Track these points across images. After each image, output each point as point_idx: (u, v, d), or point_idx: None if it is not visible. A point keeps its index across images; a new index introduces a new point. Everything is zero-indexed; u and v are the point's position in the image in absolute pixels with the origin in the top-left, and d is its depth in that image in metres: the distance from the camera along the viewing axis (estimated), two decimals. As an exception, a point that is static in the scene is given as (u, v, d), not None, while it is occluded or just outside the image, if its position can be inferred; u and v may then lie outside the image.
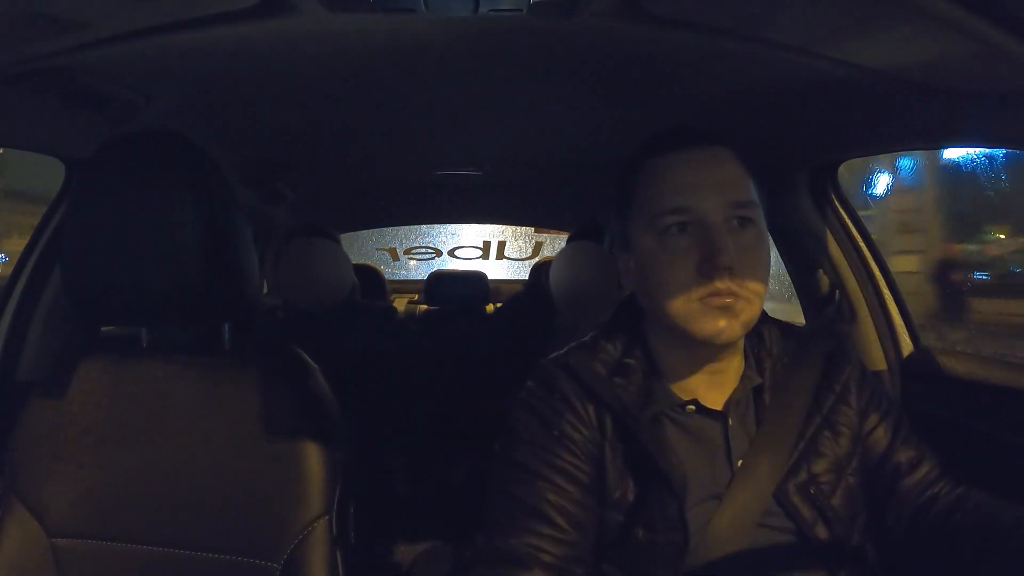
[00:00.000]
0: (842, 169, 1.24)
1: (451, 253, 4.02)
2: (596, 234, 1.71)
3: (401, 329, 1.89)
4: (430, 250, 4.04)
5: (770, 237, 0.72)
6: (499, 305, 2.65)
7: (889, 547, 0.74)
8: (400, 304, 3.06)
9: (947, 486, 0.73)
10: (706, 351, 0.71)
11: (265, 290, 2.05)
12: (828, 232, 1.24)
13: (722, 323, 0.66)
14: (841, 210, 1.24)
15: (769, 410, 0.73)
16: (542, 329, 1.79)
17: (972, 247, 4.40)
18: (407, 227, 3.86)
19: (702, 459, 0.70)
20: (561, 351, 0.78)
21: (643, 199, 0.71)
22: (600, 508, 0.69)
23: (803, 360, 0.77)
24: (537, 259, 3.59)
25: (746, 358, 0.75)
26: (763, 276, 0.68)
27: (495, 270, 3.83)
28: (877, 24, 0.63)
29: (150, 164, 0.78)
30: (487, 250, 3.96)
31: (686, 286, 0.66)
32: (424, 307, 2.69)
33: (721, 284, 0.64)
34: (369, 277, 2.54)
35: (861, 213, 1.25)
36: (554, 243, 3.72)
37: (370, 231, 3.60)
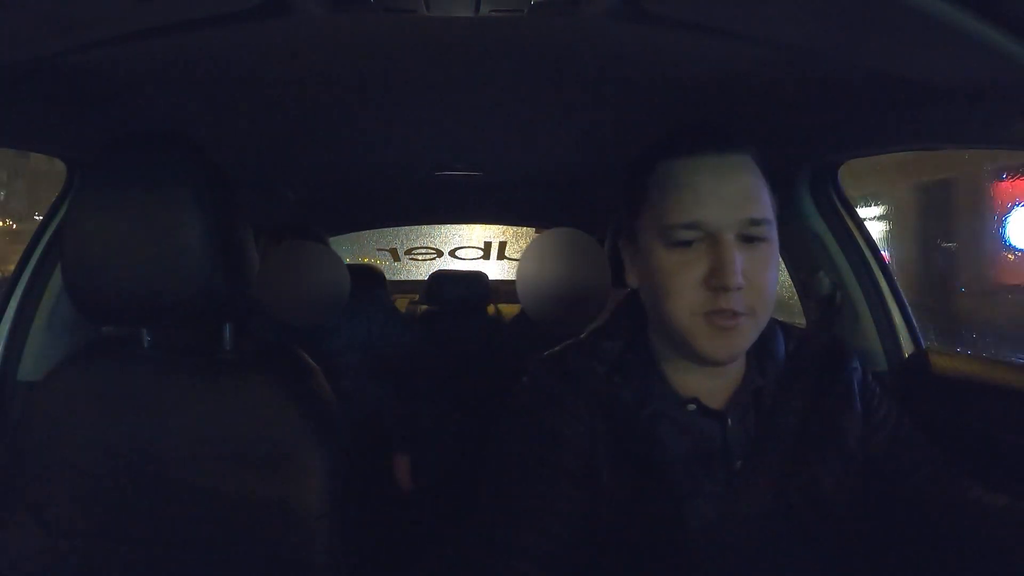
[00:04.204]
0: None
1: (452, 254, 4.03)
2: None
3: (403, 327, 1.88)
4: (431, 251, 4.04)
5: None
6: (499, 306, 2.66)
7: (890, 547, 0.74)
8: (401, 304, 3.06)
9: (948, 486, 0.73)
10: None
11: None
12: (829, 232, 1.24)
13: (724, 344, 0.65)
14: (842, 210, 1.24)
15: (770, 411, 0.73)
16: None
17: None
18: (408, 228, 3.87)
19: (700, 458, 0.70)
20: (557, 348, 0.78)
21: (655, 204, 0.68)
22: (594, 505, 0.69)
23: (804, 361, 0.77)
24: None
25: (748, 359, 0.75)
26: (771, 291, 0.66)
27: (496, 271, 3.84)
28: (878, 25, 0.63)
29: (152, 165, 0.78)
30: (488, 251, 3.97)
31: (692, 298, 0.65)
32: (424, 307, 2.69)
33: (726, 303, 0.63)
34: (371, 277, 2.54)
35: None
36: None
37: (371, 231, 3.60)
